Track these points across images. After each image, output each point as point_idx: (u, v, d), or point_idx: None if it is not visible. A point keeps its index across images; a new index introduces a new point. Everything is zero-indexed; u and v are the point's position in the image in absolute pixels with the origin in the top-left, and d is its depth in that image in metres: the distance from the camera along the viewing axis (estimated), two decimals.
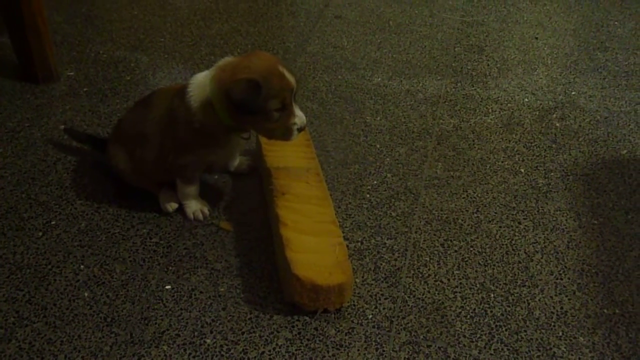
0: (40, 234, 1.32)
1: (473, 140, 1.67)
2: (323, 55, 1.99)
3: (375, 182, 1.50)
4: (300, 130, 1.22)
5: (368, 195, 1.46)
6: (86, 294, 1.19)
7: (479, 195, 1.49)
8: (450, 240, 1.36)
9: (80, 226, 1.34)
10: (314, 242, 1.19)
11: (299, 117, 1.21)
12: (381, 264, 1.29)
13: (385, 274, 1.26)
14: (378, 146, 1.62)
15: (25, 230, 1.32)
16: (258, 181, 1.47)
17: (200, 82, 1.22)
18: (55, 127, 1.61)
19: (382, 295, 1.22)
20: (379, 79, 1.90)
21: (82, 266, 1.25)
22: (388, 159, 1.58)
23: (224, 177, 1.49)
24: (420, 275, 1.27)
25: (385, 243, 1.34)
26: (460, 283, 1.26)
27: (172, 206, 1.37)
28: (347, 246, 1.30)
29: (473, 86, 1.90)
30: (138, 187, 1.39)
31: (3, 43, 1.74)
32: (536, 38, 2.20)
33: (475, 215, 1.43)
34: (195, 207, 1.37)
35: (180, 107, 1.23)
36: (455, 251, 1.34)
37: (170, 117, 1.26)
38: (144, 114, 1.32)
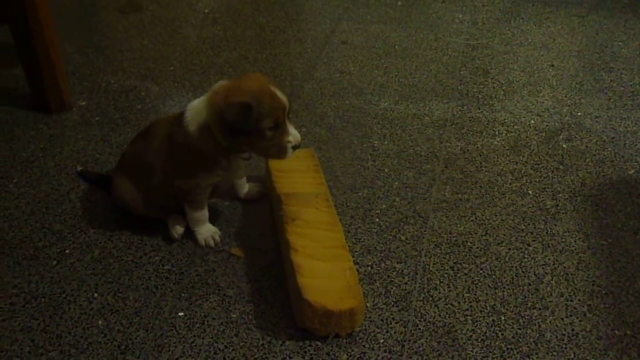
0: (55, 262, 1.34)
1: (480, 163, 1.68)
2: (330, 80, 2.02)
3: (384, 206, 1.52)
4: (295, 148, 1.25)
5: (377, 220, 1.47)
6: (100, 322, 1.21)
7: (488, 217, 1.50)
8: (460, 264, 1.37)
9: (93, 254, 1.36)
10: (325, 267, 1.20)
11: (293, 135, 1.24)
12: (391, 288, 1.30)
13: (395, 298, 1.27)
14: (386, 170, 1.63)
15: (40, 259, 1.35)
16: (268, 207, 1.49)
17: (196, 107, 1.26)
18: (69, 156, 1.64)
19: (393, 319, 1.23)
20: (386, 103, 1.92)
21: (95, 294, 1.27)
22: (396, 183, 1.59)
23: (235, 204, 1.50)
24: (431, 299, 1.28)
25: (395, 267, 1.35)
26: (471, 306, 1.27)
27: (177, 230, 1.38)
28: (358, 270, 1.31)
29: (479, 109, 1.92)
30: (147, 216, 1.41)
31: (16, 74, 1.78)
32: (546, 62, 2.23)
33: (484, 237, 1.44)
34: (206, 233, 1.38)
35: (178, 133, 1.27)
36: (465, 274, 1.34)
37: (170, 144, 1.29)
38: (145, 144, 1.35)
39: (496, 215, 1.51)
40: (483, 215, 1.51)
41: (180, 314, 1.23)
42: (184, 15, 2.42)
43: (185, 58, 2.12)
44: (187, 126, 1.25)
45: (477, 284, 1.32)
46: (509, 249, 1.41)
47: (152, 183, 1.34)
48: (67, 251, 1.37)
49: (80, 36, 2.23)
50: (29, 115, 1.79)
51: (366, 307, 1.24)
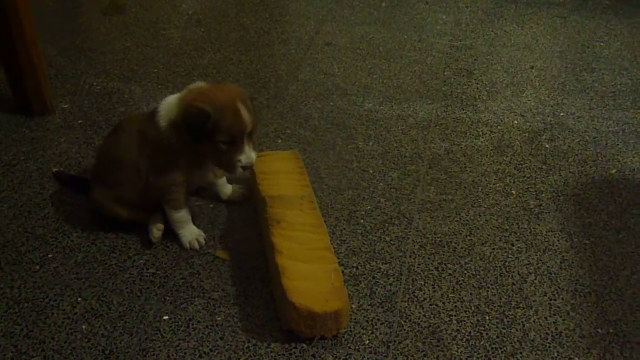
0: (38, 267, 1.33)
1: (464, 163, 1.69)
2: (314, 82, 2.02)
3: (369, 207, 1.52)
4: (244, 168, 1.26)
5: (362, 221, 1.48)
6: (84, 327, 1.20)
7: (472, 217, 1.51)
8: (445, 264, 1.38)
9: (77, 259, 1.35)
10: (310, 269, 1.20)
11: (247, 156, 1.25)
12: (376, 289, 1.30)
13: (380, 299, 1.28)
14: (371, 171, 1.64)
15: (23, 264, 1.33)
16: (253, 209, 1.49)
17: (169, 103, 1.27)
18: (51, 159, 1.62)
19: (378, 320, 1.23)
20: (370, 104, 1.93)
21: (79, 299, 1.26)
22: (381, 184, 1.60)
23: (219, 206, 1.50)
24: (416, 300, 1.28)
25: (380, 268, 1.35)
26: (456, 306, 1.27)
27: (155, 233, 1.37)
28: (343, 272, 1.31)
29: (463, 109, 1.93)
30: (126, 219, 1.40)
31: None
32: (528, 63, 2.25)
33: (469, 238, 1.45)
34: (190, 236, 1.38)
35: (150, 128, 1.27)
36: (450, 274, 1.35)
37: (141, 139, 1.30)
38: (115, 140, 1.36)
39: (480, 216, 1.52)
40: (467, 215, 1.52)
41: (165, 317, 1.22)
42: (168, 16, 2.41)
43: (168, 60, 2.11)
44: (158, 121, 1.26)
45: (461, 284, 1.33)
46: (493, 248, 1.42)
47: (123, 179, 1.33)
48: (50, 255, 1.36)
49: (63, 38, 2.21)
50: (10, 118, 1.77)
51: (351, 308, 1.24)
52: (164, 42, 2.22)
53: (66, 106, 1.84)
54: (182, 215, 1.36)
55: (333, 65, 2.13)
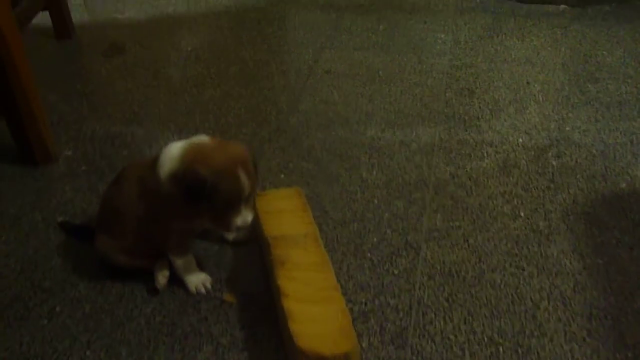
0: (46, 321, 1.32)
1: (470, 187, 1.67)
2: (315, 112, 2.02)
3: (375, 239, 1.50)
4: (239, 229, 1.26)
5: (369, 254, 1.46)
6: None
7: (480, 243, 1.49)
8: (455, 294, 1.35)
9: (84, 310, 1.34)
10: (317, 310, 1.18)
11: (243, 218, 1.23)
12: (387, 325, 1.28)
13: (391, 336, 1.25)
14: (376, 201, 1.62)
15: (31, 319, 1.33)
16: (258, 249, 1.48)
17: (171, 154, 1.24)
18: (57, 209, 1.63)
19: (389, 358, 1.21)
20: (372, 131, 1.91)
21: (88, 352, 1.25)
22: (387, 214, 1.58)
23: (224, 248, 1.49)
24: (427, 334, 1.26)
25: (389, 303, 1.33)
26: (468, 339, 1.25)
27: (160, 280, 1.37)
28: (351, 309, 1.30)
29: (466, 130, 1.91)
30: (131, 267, 1.39)
31: (1, 127, 1.78)
32: (527, 81, 2.23)
33: (478, 265, 1.43)
34: (196, 280, 1.37)
35: (149, 178, 1.26)
36: (461, 305, 1.33)
37: (141, 188, 1.29)
38: (117, 189, 1.35)
39: (489, 241, 1.49)
40: (476, 241, 1.49)
41: None
42: (167, 54, 2.43)
43: (169, 98, 2.12)
44: (158, 171, 1.24)
45: (473, 314, 1.30)
46: (504, 275, 1.40)
47: (126, 229, 1.33)
48: (57, 308, 1.35)
49: (64, 83, 2.23)
50: (15, 169, 1.78)
51: (362, 347, 1.22)
52: (164, 81, 2.23)
53: (70, 153, 1.84)
54: (186, 261, 1.36)
55: (333, 93, 2.13)
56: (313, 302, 1.20)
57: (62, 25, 2.51)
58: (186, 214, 1.25)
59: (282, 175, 1.72)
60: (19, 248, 1.51)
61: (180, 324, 1.30)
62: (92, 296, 1.38)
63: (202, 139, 1.26)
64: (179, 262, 1.35)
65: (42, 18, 2.36)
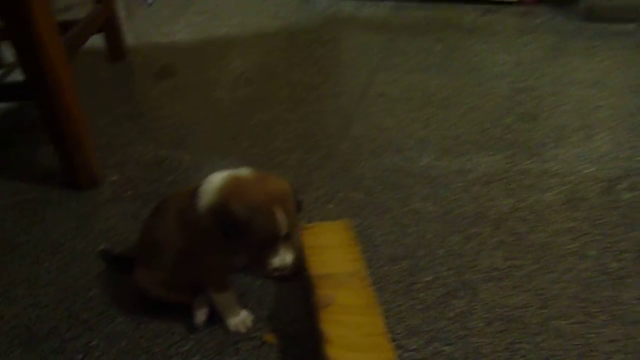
0: (81, 356, 1.27)
1: (533, 222, 1.54)
2: (367, 137, 1.93)
3: (428, 278, 1.39)
4: (277, 270, 1.16)
5: (422, 294, 1.35)
6: None
7: (545, 286, 1.36)
8: (516, 343, 1.23)
9: (120, 345, 1.29)
10: (363, 359, 1.09)
11: (281, 259, 1.14)
12: None
13: None
14: (429, 236, 1.52)
15: (66, 353, 1.28)
16: (303, 286, 1.39)
17: (212, 186, 1.17)
18: (99, 235, 1.59)
19: None
20: (427, 159, 1.81)
21: None
22: (441, 251, 1.47)
23: (267, 283, 1.41)
24: None
25: (443, 350, 1.22)
26: None
27: (198, 317, 1.30)
28: (400, 356, 1.19)
29: (529, 159, 1.78)
30: (170, 302, 1.33)
31: (48, 152, 1.76)
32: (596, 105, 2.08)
33: (542, 311, 1.30)
34: (236, 319, 1.29)
35: (189, 210, 1.19)
36: (523, 356, 1.20)
37: (180, 220, 1.22)
38: (156, 220, 1.29)
39: (554, 283, 1.36)
40: (539, 284, 1.36)
41: None
42: (217, 77, 2.39)
43: (217, 122, 2.07)
44: (198, 204, 1.17)
45: None
46: (571, 323, 1.26)
47: (165, 262, 1.26)
48: (93, 342, 1.30)
49: (115, 107, 2.22)
50: (61, 193, 1.76)
51: None
52: (213, 104, 2.20)
53: (115, 178, 1.81)
54: (226, 298, 1.28)
55: (387, 118, 2.04)
56: (358, 349, 1.10)
57: (116, 47, 2.52)
58: (224, 249, 1.18)
59: (331, 206, 1.64)
60: (59, 277, 1.48)
61: None
62: (129, 331, 1.32)
63: (244, 171, 1.19)
64: (218, 299, 1.28)
65: (96, 40, 2.37)
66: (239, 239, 1.11)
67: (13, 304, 1.41)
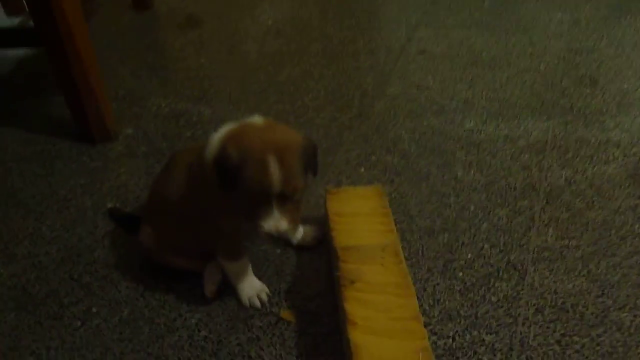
0: (79, 323, 1.15)
1: (592, 198, 1.36)
2: (405, 97, 1.75)
3: (469, 255, 1.23)
4: (270, 236, 0.97)
5: (461, 274, 1.19)
6: None
7: (604, 271, 1.18)
8: (570, 336, 1.06)
9: (122, 315, 1.16)
10: (391, 346, 0.94)
11: (275, 222, 0.96)
12: None
13: None
14: (472, 208, 1.34)
15: (64, 319, 1.16)
16: (327, 256, 1.24)
17: (218, 135, 1.02)
18: (109, 193, 1.46)
19: None
20: (472, 123, 1.63)
21: None
22: (485, 225, 1.30)
23: (287, 252, 1.27)
24: None
25: (484, 339, 1.06)
26: None
27: (213, 281, 1.17)
28: (435, 344, 1.04)
29: (587, 127, 1.59)
30: (178, 268, 1.20)
31: (60, 102, 1.64)
32: None
33: (601, 300, 1.12)
34: (251, 291, 1.15)
35: (198, 165, 1.04)
36: (577, 351, 1.04)
37: (188, 175, 1.08)
38: (165, 176, 1.15)
39: (615, 269, 1.18)
40: (597, 268, 1.19)
41: None
42: (246, 28, 2.22)
43: (243, 76, 1.91)
44: (207, 157, 1.01)
45: None
46: (635, 315, 1.09)
47: (173, 223, 1.12)
48: (94, 309, 1.18)
49: (136, 56, 2.07)
50: (72, 146, 1.64)
51: None
52: (239, 57, 2.03)
53: (130, 132, 1.68)
54: (239, 266, 1.14)
55: (427, 77, 1.85)
56: (387, 335, 0.95)
57: None
58: (226, 205, 1.02)
59: (362, 169, 1.48)
60: (63, 235, 1.36)
61: (227, 342, 1.09)
62: (133, 299, 1.19)
63: (256, 119, 1.03)
64: (230, 267, 1.13)
65: None
66: (233, 190, 0.96)
67: (12, 263, 1.30)
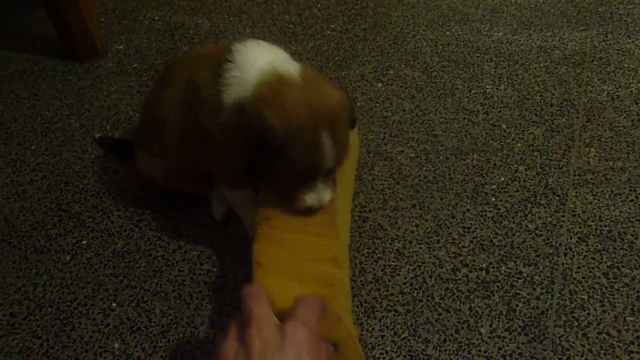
0: (68, 257, 1.04)
1: (637, 115, 1.21)
2: (425, 5, 1.57)
3: (502, 178, 1.10)
4: (309, 209, 0.82)
5: (493, 199, 1.06)
6: (116, 346, 0.90)
7: None
8: (618, 267, 0.94)
9: (115, 247, 1.05)
10: (300, 291, 0.73)
11: (316, 196, 0.81)
12: (517, 305, 0.90)
13: (523, 321, 0.88)
14: (504, 127, 1.20)
15: (51, 252, 1.05)
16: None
17: (247, 74, 0.81)
18: (98, 114, 1.32)
19: (520, 354, 0.83)
20: (501, 33, 1.46)
21: (114, 304, 0.96)
22: (519, 145, 1.16)
23: None
24: (577, 324, 0.87)
25: (521, 272, 0.94)
26: (638, 337, 0.85)
27: (217, 211, 1.06)
28: (467, 276, 0.93)
29: (630, 37, 1.42)
30: (181, 192, 1.07)
31: (43, 16, 1.47)
32: None
33: None
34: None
35: (207, 86, 0.85)
36: (626, 285, 0.92)
37: (190, 95, 0.89)
38: (160, 91, 0.98)
39: None
40: None
41: (221, 333, 0.89)
42: None
43: None
44: (221, 83, 0.82)
45: None
46: None
47: (169, 146, 0.98)
48: (84, 242, 1.06)
49: None
50: (57, 64, 1.48)
51: (480, 334, 0.86)
52: None
53: (121, 47, 1.52)
54: (242, 195, 0.99)
55: None
56: (291, 277, 0.78)
57: None
58: (243, 155, 0.85)
59: (379, 84, 1.33)
60: (49, 161, 1.23)
61: (232, 278, 0.98)
62: (127, 229, 1.07)
63: (291, 67, 0.81)
64: (232, 196, 1.00)
65: None
66: (267, 160, 0.80)
67: None
